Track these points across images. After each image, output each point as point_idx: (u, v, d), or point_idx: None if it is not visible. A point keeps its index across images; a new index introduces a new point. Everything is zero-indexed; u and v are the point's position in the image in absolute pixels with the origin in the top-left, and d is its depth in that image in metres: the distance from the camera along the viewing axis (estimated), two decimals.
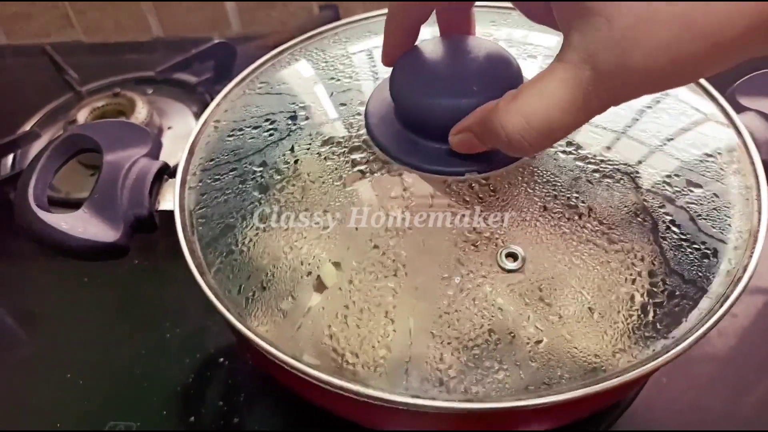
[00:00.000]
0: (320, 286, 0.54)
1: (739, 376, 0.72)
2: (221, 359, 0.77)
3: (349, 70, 0.64)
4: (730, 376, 0.72)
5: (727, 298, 0.46)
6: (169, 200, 0.61)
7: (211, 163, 0.62)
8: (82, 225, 0.56)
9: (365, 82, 0.62)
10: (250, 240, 0.55)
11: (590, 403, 0.53)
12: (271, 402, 0.73)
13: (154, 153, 0.64)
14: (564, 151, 0.53)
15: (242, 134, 0.62)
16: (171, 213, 0.60)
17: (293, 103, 0.61)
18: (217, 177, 0.60)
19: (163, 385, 0.75)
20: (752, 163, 0.55)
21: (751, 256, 0.49)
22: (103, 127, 0.64)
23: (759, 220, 0.51)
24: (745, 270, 0.48)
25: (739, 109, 0.71)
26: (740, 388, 0.71)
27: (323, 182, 0.52)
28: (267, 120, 0.61)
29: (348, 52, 0.68)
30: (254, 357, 0.66)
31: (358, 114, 0.54)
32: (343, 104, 0.57)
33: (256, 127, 0.61)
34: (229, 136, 0.63)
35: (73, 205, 0.78)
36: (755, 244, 0.50)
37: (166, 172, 0.63)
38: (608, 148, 0.54)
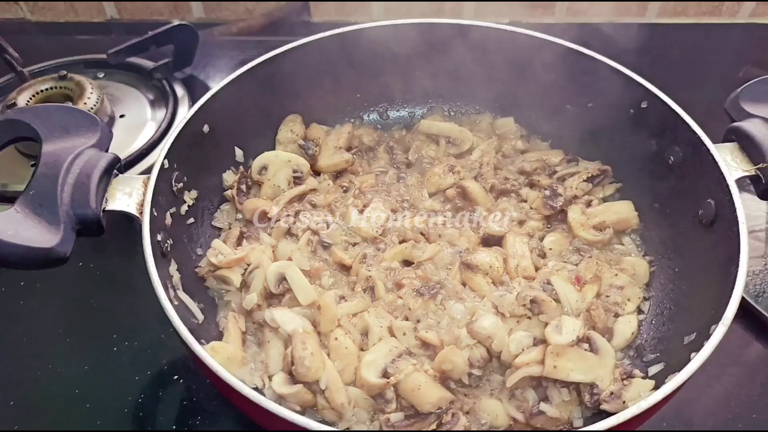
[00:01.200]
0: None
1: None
2: (176, 377, 0.68)
3: None
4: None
5: None
6: (119, 199, 0.53)
7: None
8: (14, 227, 0.47)
9: None
10: None
11: None
12: (230, 426, 0.66)
13: (103, 144, 0.55)
14: None
15: None
16: (121, 213, 0.53)
17: None
18: None
19: (109, 407, 0.66)
20: None
21: None
22: (44, 111, 0.55)
23: None
24: None
25: (743, 115, 0.67)
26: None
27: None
28: None
29: None
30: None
31: None
32: None
33: None
34: None
35: (9, 199, 0.69)
36: None
37: (117, 166, 0.55)
38: None
